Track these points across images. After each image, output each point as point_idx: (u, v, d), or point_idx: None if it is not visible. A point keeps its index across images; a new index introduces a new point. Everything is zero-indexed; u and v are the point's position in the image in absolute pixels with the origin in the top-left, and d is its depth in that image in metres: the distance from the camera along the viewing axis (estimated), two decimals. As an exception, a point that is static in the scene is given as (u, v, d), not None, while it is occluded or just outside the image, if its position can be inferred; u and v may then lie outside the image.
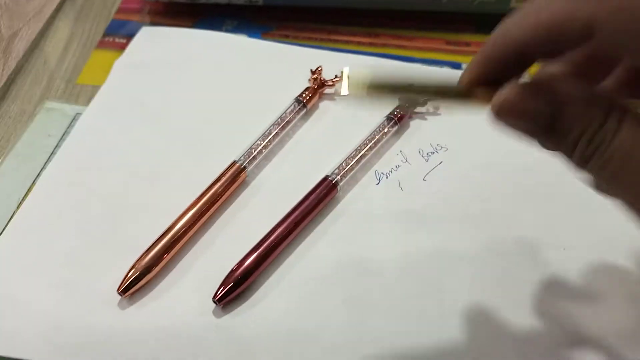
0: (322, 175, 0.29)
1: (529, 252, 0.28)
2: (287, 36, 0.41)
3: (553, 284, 0.26)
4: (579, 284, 0.27)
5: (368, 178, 0.31)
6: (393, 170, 0.31)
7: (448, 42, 0.42)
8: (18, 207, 0.28)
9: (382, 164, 0.32)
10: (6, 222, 0.27)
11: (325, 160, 0.31)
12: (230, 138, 0.32)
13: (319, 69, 0.36)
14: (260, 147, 0.30)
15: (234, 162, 0.29)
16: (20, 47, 0.39)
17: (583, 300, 0.26)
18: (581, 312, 0.25)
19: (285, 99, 0.34)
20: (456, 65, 0.40)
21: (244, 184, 0.30)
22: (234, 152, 0.30)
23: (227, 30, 0.41)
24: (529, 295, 0.26)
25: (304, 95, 0.34)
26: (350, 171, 0.30)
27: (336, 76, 0.36)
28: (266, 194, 0.29)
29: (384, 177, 0.31)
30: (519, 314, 0.25)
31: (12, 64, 0.37)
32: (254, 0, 0.41)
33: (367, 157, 0.31)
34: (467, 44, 0.42)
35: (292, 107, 0.33)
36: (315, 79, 0.35)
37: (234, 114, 0.34)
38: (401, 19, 0.43)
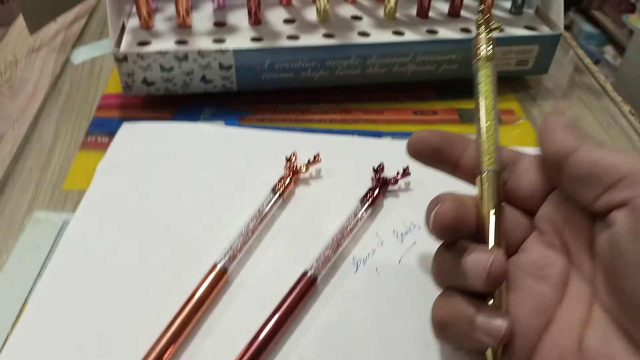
0: (302, 267, 0.31)
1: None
2: (263, 120, 0.43)
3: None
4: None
5: (346, 266, 0.32)
6: (370, 255, 0.33)
7: (415, 112, 0.44)
8: (11, 330, 0.29)
9: (359, 249, 0.33)
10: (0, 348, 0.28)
11: (304, 250, 0.32)
12: (212, 233, 0.33)
13: (293, 155, 0.37)
14: (239, 245, 0.32)
15: (215, 265, 0.31)
16: (6, 153, 0.40)
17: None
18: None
19: (262, 187, 0.35)
20: (425, 136, 0.42)
21: (227, 284, 0.31)
22: (217, 247, 0.32)
23: (204, 119, 0.43)
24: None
25: (279, 185, 0.35)
26: (328, 262, 0.31)
27: (309, 161, 0.37)
28: (249, 293, 0.31)
29: (362, 263, 0.32)
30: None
31: (-1, 172, 0.39)
32: (228, 87, 0.43)
33: (343, 245, 0.32)
34: (434, 112, 0.44)
35: (269, 198, 0.34)
36: (289, 167, 0.37)
37: (215, 207, 0.35)
38: (369, 92, 0.45)
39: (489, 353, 0.22)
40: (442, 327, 0.23)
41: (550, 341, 0.22)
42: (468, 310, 0.22)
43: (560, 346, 0.21)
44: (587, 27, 1.71)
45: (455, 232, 0.23)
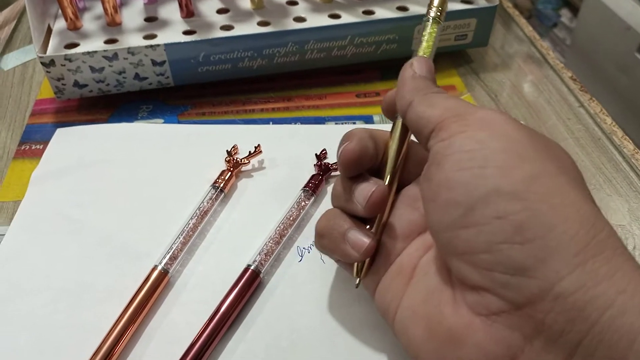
0: (246, 262, 0.30)
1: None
2: (203, 114, 0.42)
3: None
4: None
5: (291, 255, 0.32)
6: (314, 243, 0.32)
7: (358, 94, 0.44)
8: (-55, 353, 0.28)
9: (304, 238, 0.33)
10: None
11: (248, 245, 0.32)
12: (153, 235, 0.32)
13: (234, 148, 0.37)
14: (180, 244, 0.31)
15: (155, 267, 0.30)
16: (-64, 168, 0.39)
17: None
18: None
19: (204, 184, 0.35)
20: (368, 119, 0.41)
21: (169, 285, 0.30)
22: (158, 249, 0.31)
23: (142, 117, 0.42)
24: None
25: (219, 180, 0.35)
26: (272, 254, 0.31)
27: (250, 152, 0.37)
28: (191, 293, 0.30)
29: (306, 252, 0.32)
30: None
31: None
32: (164, 82, 0.42)
33: (287, 236, 0.32)
34: (377, 94, 0.44)
35: (210, 194, 0.34)
36: (229, 161, 0.36)
37: (155, 209, 0.34)
38: (312, 77, 0.45)
39: (355, 265, 0.26)
40: (320, 237, 0.26)
41: (399, 259, 0.25)
42: (343, 225, 0.25)
43: (403, 263, 0.25)
44: (544, -9, 1.73)
45: (357, 168, 0.26)
